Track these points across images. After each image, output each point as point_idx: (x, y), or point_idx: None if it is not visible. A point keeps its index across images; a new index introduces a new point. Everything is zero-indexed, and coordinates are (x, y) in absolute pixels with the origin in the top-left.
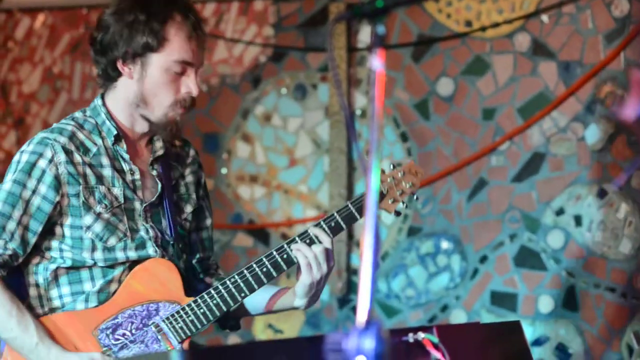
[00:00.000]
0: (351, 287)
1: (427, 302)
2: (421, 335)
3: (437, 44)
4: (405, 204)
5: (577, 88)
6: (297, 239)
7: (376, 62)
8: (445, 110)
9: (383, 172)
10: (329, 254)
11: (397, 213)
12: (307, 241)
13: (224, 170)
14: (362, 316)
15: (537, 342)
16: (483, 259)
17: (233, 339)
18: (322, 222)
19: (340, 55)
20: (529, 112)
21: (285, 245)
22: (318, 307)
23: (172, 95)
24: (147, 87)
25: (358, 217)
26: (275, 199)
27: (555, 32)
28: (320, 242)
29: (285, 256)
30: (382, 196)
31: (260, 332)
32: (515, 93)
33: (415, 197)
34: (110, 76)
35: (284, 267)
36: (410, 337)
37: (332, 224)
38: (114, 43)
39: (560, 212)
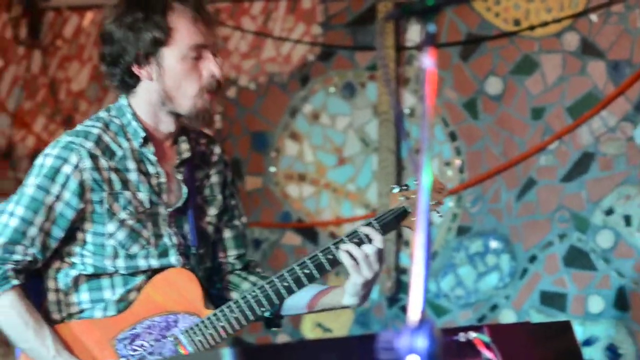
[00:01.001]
0: (400, 287)
1: (476, 302)
2: (472, 334)
3: (485, 43)
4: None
5: (626, 87)
6: (330, 248)
7: (427, 60)
8: (494, 110)
9: (407, 188)
10: (380, 253)
11: None
12: (356, 241)
13: (272, 169)
14: (414, 315)
15: (588, 343)
16: (532, 259)
17: (281, 337)
18: (372, 221)
19: (388, 54)
20: (578, 111)
21: (307, 260)
22: (367, 306)
23: (196, 83)
24: (169, 83)
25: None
26: (324, 198)
27: (604, 31)
28: (370, 241)
29: (307, 271)
30: (406, 214)
31: (309, 330)
32: (564, 92)
33: (439, 215)
34: (128, 84)
35: (306, 281)
36: (461, 337)
37: (383, 223)
38: (122, 50)
39: (609, 212)
